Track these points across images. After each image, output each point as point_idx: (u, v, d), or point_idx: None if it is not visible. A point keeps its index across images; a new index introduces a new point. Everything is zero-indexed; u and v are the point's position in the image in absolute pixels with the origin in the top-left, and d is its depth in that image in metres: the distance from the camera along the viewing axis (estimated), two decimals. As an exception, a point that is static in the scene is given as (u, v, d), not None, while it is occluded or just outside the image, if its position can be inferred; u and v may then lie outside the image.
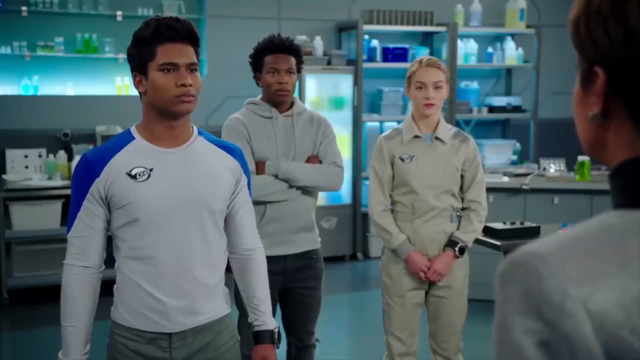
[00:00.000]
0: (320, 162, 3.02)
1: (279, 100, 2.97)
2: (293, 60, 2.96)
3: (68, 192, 5.20)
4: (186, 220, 1.98)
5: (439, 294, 3.08)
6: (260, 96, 3.04)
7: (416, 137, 3.04)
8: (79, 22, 5.91)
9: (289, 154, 2.98)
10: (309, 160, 3.00)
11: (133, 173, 1.93)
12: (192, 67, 1.94)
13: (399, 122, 6.83)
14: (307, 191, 3.01)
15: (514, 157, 7.01)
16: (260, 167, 2.95)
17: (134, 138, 1.98)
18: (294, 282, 3.03)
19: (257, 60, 2.98)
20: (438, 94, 2.98)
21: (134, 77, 1.97)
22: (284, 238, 2.98)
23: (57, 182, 5.37)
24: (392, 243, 3.02)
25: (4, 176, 5.51)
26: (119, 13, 5.94)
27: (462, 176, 3.06)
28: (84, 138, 5.78)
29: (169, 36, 1.92)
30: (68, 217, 2.02)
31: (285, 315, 3.14)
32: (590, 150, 0.88)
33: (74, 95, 5.93)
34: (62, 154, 5.59)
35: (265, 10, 6.49)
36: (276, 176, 2.94)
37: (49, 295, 5.23)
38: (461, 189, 3.08)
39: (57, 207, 5.24)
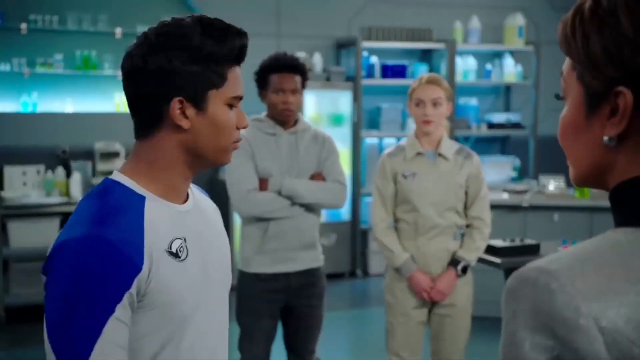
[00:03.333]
0: (324, 179, 3.02)
1: (284, 119, 2.98)
2: (298, 79, 2.96)
3: (66, 209, 5.21)
4: (216, 310, 1.44)
5: (443, 312, 3.05)
6: (264, 113, 3.05)
7: (419, 154, 3.02)
8: (78, 39, 5.92)
9: (292, 171, 2.97)
10: (313, 177, 3.01)
11: (174, 249, 1.32)
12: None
13: (398, 138, 6.88)
14: (311, 208, 3.00)
15: (514, 174, 7.00)
16: (263, 183, 2.94)
17: (143, 197, 1.33)
18: (296, 300, 3.01)
19: (262, 78, 2.98)
20: (436, 111, 2.97)
21: (162, 103, 1.31)
22: (286, 255, 2.97)
23: (56, 199, 5.35)
24: (394, 262, 3.00)
25: (2, 193, 5.48)
26: (118, 30, 5.94)
27: (465, 192, 3.05)
28: (82, 155, 5.78)
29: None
30: (59, 339, 1.20)
31: (286, 333, 3.12)
32: (592, 176, 0.85)
33: (73, 112, 5.93)
34: (60, 170, 5.58)
35: (265, 27, 6.51)
36: (279, 193, 2.93)
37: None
38: (465, 205, 3.06)
39: (55, 224, 5.22)
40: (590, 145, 0.83)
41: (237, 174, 2.92)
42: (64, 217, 5.27)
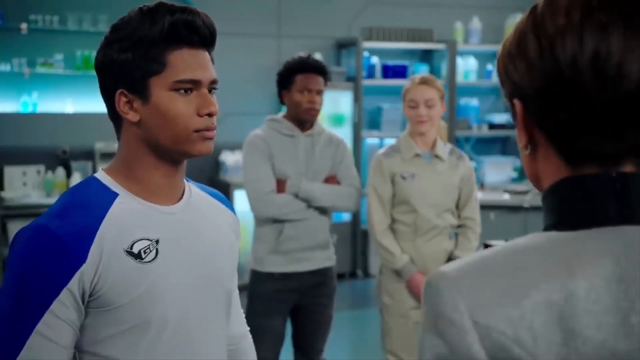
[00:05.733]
0: (338, 182, 3.05)
1: (307, 119, 3.00)
2: (322, 81, 3.00)
3: (66, 209, 5.17)
4: (206, 315, 1.34)
5: None
6: (282, 114, 3.07)
7: (417, 155, 3.02)
8: (79, 39, 5.90)
9: (309, 173, 3.01)
10: (327, 180, 3.05)
11: (135, 250, 1.24)
12: (214, 87, 1.31)
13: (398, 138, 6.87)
14: (323, 210, 3.03)
15: (514, 174, 6.99)
16: (280, 185, 2.97)
17: (116, 194, 1.27)
18: (307, 299, 3.04)
19: (285, 78, 3.00)
20: (430, 112, 2.97)
21: (114, 97, 1.27)
22: (300, 255, 3.00)
23: (56, 199, 5.33)
24: (395, 264, 2.99)
25: (2, 194, 5.47)
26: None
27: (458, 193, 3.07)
28: (82, 155, 5.76)
29: (189, 39, 1.27)
30: None
31: (295, 332, 3.15)
32: (533, 183, 0.89)
33: (73, 112, 5.91)
34: (60, 171, 5.57)
35: (265, 27, 6.49)
36: (296, 195, 2.95)
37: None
38: (456, 205, 3.08)
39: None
40: (522, 153, 0.88)
41: (255, 175, 2.95)
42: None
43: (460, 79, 6.78)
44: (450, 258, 3.03)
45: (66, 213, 1.23)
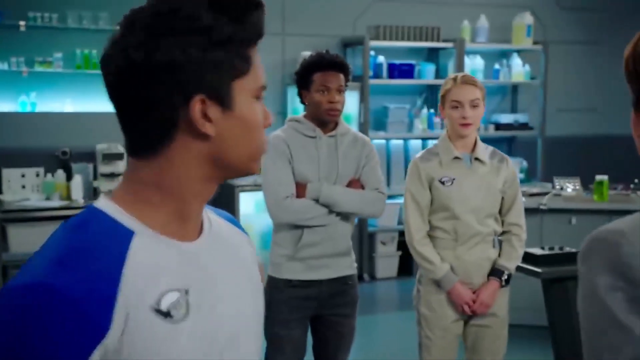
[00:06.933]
0: (362, 186, 2.88)
1: (329, 119, 2.83)
2: (342, 78, 2.82)
3: (67, 212, 5.03)
4: None
5: (482, 323, 2.89)
6: (303, 114, 2.90)
7: (456, 158, 2.87)
8: (79, 38, 5.74)
9: (331, 176, 2.84)
10: (350, 184, 2.87)
11: (164, 306, 0.96)
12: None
13: (405, 139, 6.77)
14: (346, 216, 2.87)
15: (521, 176, 6.88)
16: (300, 189, 2.81)
17: (131, 232, 0.99)
18: (327, 308, 2.89)
19: (304, 77, 2.83)
20: (475, 113, 2.82)
21: (185, 105, 0.98)
22: (320, 262, 2.85)
23: (56, 202, 5.18)
24: (436, 273, 2.83)
25: (0, 196, 5.31)
26: (118, 28, 5.78)
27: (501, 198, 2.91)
28: (83, 157, 5.59)
29: (260, 36, 1.07)
30: None
31: (316, 343, 2.99)
32: None
33: (73, 112, 5.76)
34: (60, 173, 5.41)
35: (269, 26, 6.24)
36: (317, 200, 2.79)
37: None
38: (499, 211, 2.91)
39: (55, 228, 5.03)
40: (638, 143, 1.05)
41: (274, 178, 2.79)
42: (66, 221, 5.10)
43: (467, 78, 6.65)
44: (494, 268, 2.87)
45: (71, 263, 0.92)
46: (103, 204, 1.01)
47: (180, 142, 1.00)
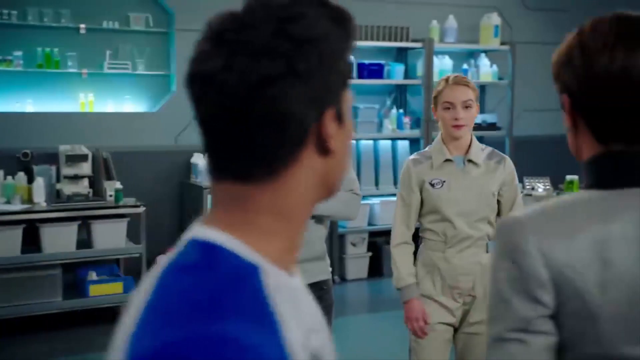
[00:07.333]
0: None
1: None
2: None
3: (29, 216, 4.87)
4: None
5: (472, 331, 2.83)
6: None
7: (447, 160, 2.81)
8: (40, 35, 5.57)
9: None
10: None
11: (313, 349, 0.85)
12: None
13: (374, 139, 6.70)
14: (320, 219, 2.80)
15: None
16: None
17: (254, 267, 0.84)
18: None
19: None
20: (468, 114, 2.77)
21: (316, 120, 0.87)
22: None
23: (17, 206, 4.99)
24: (397, 282, 2.81)
25: (-42, 200, 5.11)
26: (82, 26, 5.62)
27: (498, 200, 2.84)
28: (45, 158, 5.41)
29: None
30: None
31: None
32: (575, 155, 1.20)
33: (34, 112, 5.58)
34: (21, 175, 5.21)
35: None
36: None
37: (9, 328, 4.85)
38: (498, 213, 2.85)
39: (17, 233, 4.86)
40: (569, 135, 1.21)
41: None
42: (28, 225, 4.93)
43: (435, 78, 6.63)
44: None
45: (228, 307, 0.77)
46: (214, 236, 0.85)
47: (305, 162, 0.87)
